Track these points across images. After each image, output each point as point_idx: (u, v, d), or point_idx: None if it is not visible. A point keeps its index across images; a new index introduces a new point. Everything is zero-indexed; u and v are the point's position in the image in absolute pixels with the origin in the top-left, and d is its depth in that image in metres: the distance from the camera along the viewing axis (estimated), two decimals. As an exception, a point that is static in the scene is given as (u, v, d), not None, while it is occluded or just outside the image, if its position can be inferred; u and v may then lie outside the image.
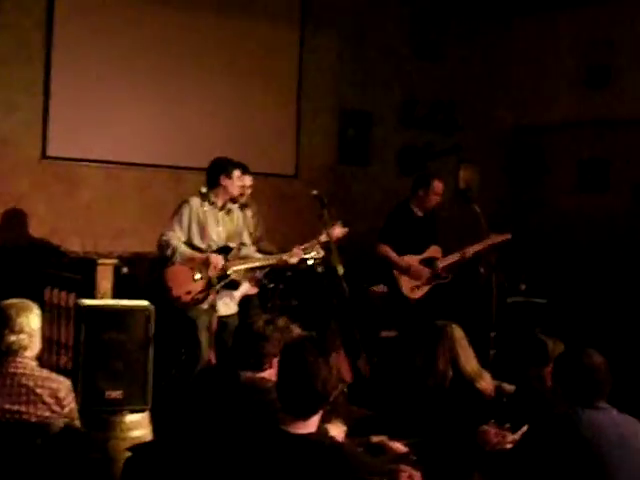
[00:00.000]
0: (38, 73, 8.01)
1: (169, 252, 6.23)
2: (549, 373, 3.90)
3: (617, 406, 3.63)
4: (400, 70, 10.21)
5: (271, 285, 7.58)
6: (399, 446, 3.87)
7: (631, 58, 9.55)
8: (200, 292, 6.22)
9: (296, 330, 4.38)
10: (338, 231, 6.66)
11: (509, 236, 7.51)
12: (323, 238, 6.56)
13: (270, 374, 3.85)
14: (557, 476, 3.31)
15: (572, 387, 3.50)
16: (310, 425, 3.12)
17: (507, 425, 4.16)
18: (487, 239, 7.36)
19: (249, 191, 7.21)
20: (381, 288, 7.98)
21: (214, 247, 6.36)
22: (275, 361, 3.85)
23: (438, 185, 7.55)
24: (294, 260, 6.56)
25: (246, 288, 6.98)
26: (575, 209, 10.29)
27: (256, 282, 7.28)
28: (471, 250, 7.42)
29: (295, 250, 6.54)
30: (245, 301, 6.97)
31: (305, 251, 6.56)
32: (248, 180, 7.14)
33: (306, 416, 3.11)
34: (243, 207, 7.06)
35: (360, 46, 9.93)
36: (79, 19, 8.16)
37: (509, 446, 3.95)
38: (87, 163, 8.26)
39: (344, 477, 2.29)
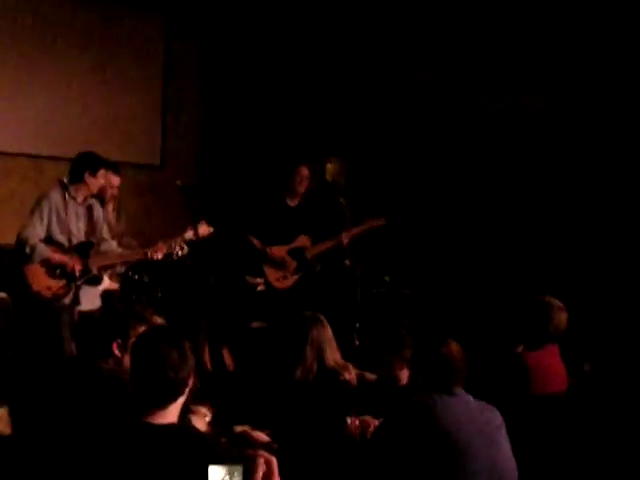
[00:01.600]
0: None
1: (28, 250, 6.08)
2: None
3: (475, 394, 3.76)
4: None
5: (135, 277, 7.49)
6: (262, 435, 3.89)
7: None
8: (61, 287, 6.11)
9: (157, 320, 4.38)
10: (203, 229, 6.63)
11: (383, 221, 7.65)
12: (189, 235, 6.52)
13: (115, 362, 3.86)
14: (413, 461, 3.38)
15: (429, 374, 3.59)
16: (169, 415, 3.09)
17: (369, 415, 4.22)
18: (360, 225, 7.49)
19: (115, 191, 7.11)
20: (252, 280, 7.98)
21: (74, 242, 6.26)
22: (115, 347, 3.86)
23: (303, 171, 7.64)
24: (158, 255, 6.48)
25: (106, 283, 6.88)
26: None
27: (117, 276, 7.19)
28: (348, 235, 7.50)
29: (159, 245, 6.46)
30: (107, 296, 6.87)
31: (169, 249, 6.49)
32: (117, 180, 7.04)
33: (161, 404, 3.08)
34: (105, 203, 6.96)
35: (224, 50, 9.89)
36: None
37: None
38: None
39: (205, 465, 2.29)
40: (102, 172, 6.37)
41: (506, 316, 6.56)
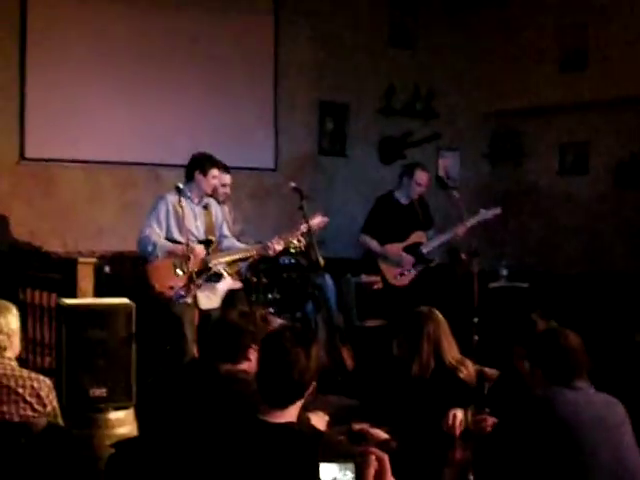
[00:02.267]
0: (13, 77, 8.02)
1: (150, 248, 6.22)
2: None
3: (599, 387, 3.67)
4: (376, 59, 10.21)
5: (254, 279, 7.57)
6: (380, 433, 3.89)
7: (605, 41, 9.58)
8: (183, 287, 6.20)
9: (276, 321, 4.40)
10: (318, 220, 6.66)
11: (499, 210, 7.58)
12: (303, 228, 6.55)
13: (249, 366, 3.86)
14: (536, 457, 3.32)
15: (549, 368, 3.52)
16: (288, 414, 3.12)
17: (486, 409, 4.17)
18: (474, 216, 7.42)
19: (227, 190, 7.20)
20: (367, 278, 7.98)
21: (195, 241, 6.36)
22: (251, 352, 3.88)
23: (421, 175, 7.63)
24: (276, 248, 6.53)
25: (230, 282, 6.98)
26: (556, 193, 10.35)
27: (239, 276, 7.28)
28: (463, 227, 7.44)
29: (275, 239, 6.52)
30: (230, 295, 6.97)
31: (286, 241, 6.54)
32: (227, 179, 7.14)
33: (283, 406, 3.11)
34: (220, 204, 7.05)
35: (335, 36, 9.92)
36: (51, 23, 8.20)
37: (489, 429, 3.96)
38: (65, 163, 8.28)
39: (317, 463, 2.30)
40: (213, 171, 6.46)
41: (624, 306, 6.43)
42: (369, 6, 10.15)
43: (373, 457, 2.00)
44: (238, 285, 7.17)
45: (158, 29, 8.78)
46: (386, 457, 2.00)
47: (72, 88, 8.25)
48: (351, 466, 2.07)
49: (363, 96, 10.12)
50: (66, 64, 8.22)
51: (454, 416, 4.20)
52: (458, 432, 4.17)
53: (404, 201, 7.68)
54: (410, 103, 10.37)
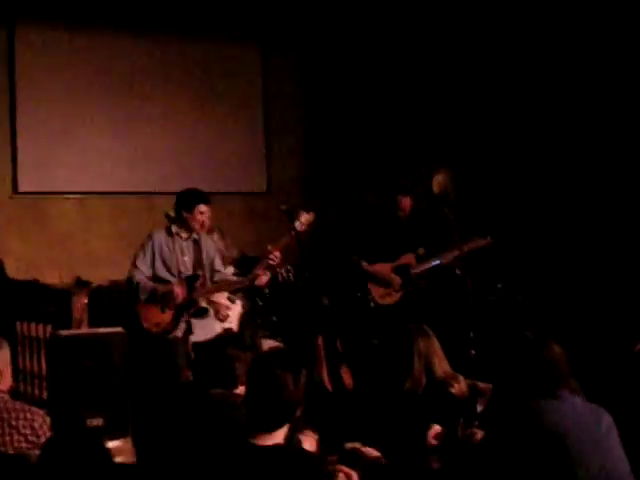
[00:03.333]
0: (3, 113, 8.09)
1: (134, 289, 6.27)
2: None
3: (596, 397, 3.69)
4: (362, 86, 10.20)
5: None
6: (372, 451, 3.91)
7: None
8: (169, 323, 6.23)
9: (266, 343, 4.43)
10: (304, 218, 6.61)
11: (489, 241, 7.53)
12: (292, 234, 6.52)
13: (242, 390, 3.89)
14: (523, 468, 3.34)
15: (532, 378, 3.54)
16: (276, 437, 3.15)
17: (475, 423, 4.19)
18: (466, 244, 7.38)
19: (206, 218, 7.04)
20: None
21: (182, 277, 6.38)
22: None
23: (402, 200, 7.67)
24: (262, 281, 6.51)
25: (239, 307, 7.01)
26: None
27: (246, 299, 7.28)
28: (449, 256, 7.44)
29: (260, 272, 6.46)
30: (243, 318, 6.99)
31: (272, 272, 6.49)
32: (204, 208, 7.00)
33: (271, 429, 3.14)
34: (207, 233, 7.04)
35: (323, 64, 9.97)
36: (40, 56, 8.26)
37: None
38: (59, 195, 8.34)
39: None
40: (199, 207, 6.41)
41: (624, 316, 6.43)
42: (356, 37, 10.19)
43: (342, 475, 2.03)
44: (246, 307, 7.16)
45: (148, 59, 8.86)
46: (355, 475, 2.03)
47: (62, 120, 8.34)
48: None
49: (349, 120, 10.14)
50: (55, 97, 8.33)
51: (430, 430, 4.22)
52: (434, 443, 4.17)
53: (392, 219, 7.74)
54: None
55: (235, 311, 6.88)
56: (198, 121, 9.10)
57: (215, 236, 7.24)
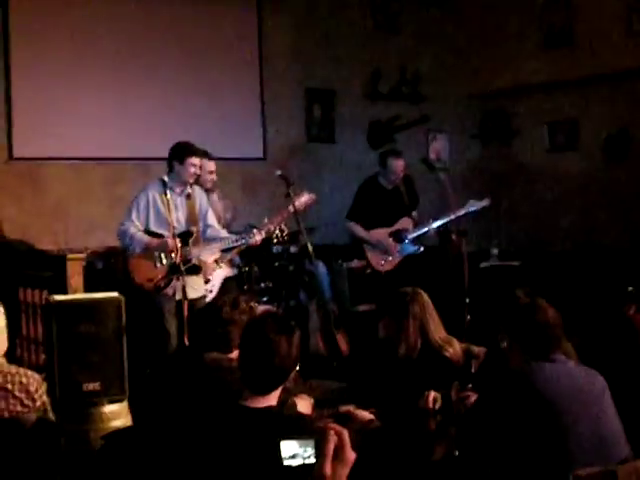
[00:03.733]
0: (-2, 77, 8.05)
1: (127, 241, 6.33)
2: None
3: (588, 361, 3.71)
4: (362, 44, 10.21)
5: (246, 268, 7.61)
6: (365, 414, 3.93)
7: (589, 16, 9.60)
8: (162, 278, 6.26)
9: (260, 308, 4.44)
10: (305, 198, 6.68)
11: (488, 202, 7.55)
12: (286, 214, 6.60)
13: (236, 354, 3.91)
14: (517, 431, 3.35)
15: (527, 341, 3.55)
16: (269, 399, 3.16)
17: (469, 386, 4.21)
18: (462, 207, 7.39)
19: (214, 176, 7.19)
20: (358, 263, 8.03)
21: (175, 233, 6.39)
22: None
23: (395, 163, 7.66)
24: (257, 240, 6.55)
25: (226, 271, 7.03)
26: (546, 170, 10.37)
27: (232, 264, 7.30)
28: (439, 222, 7.47)
29: (256, 231, 6.54)
30: (223, 284, 7.00)
31: (267, 231, 6.55)
32: (212, 165, 7.13)
33: (265, 392, 3.16)
34: (208, 191, 7.06)
35: (320, 22, 9.93)
36: (34, 19, 8.18)
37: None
38: (54, 162, 8.31)
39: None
40: (190, 160, 6.44)
41: (615, 279, 6.45)
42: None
43: (332, 432, 2.03)
44: (231, 273, 7.19)
45: (142, 24, 8.79)
46: (345, 432, 2.03)
47: (58, 86, 8.28)
48: (311, 442, 2.10)
49: (350, 82, 10.14)
50: (50, 62, 8.25)
51: (428, 395, 4.23)
52: (431, 407, 4.20)
53: (388, 185, 7.72)
54: (396, 87, 10.39)
55: (218, 276, 6.88)
56: (195, 86, 9.06)
57: (215, 196, 7.23)
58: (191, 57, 9.02)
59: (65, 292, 6.36)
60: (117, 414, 5.23)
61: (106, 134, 8.51)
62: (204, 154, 6.88)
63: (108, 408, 5.21)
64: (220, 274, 6.91)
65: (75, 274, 6.61)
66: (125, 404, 5.28)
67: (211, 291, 6.76)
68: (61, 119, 8.29)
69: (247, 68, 9.48)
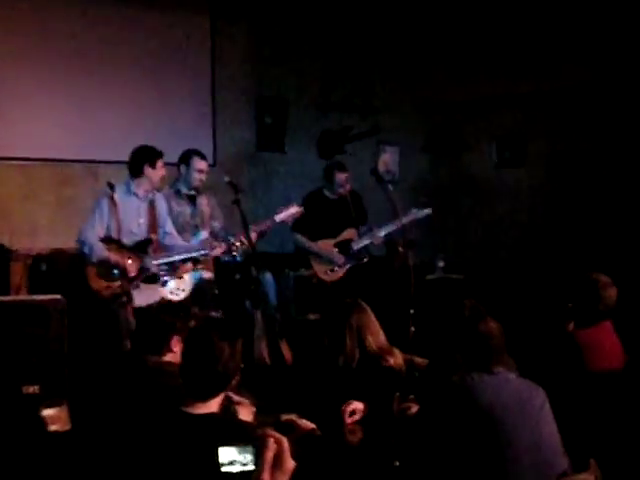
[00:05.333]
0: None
1: (86, 250, 6.24)
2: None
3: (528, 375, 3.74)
4: (315, 54, 10.23)
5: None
6: (307, 423, 3.93)
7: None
8: (119, 287, 6.20)
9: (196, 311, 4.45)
10: (293, 210, 6.84)
11: (430, 211, 7.62)
12: (279, 218, 6.66)
13: (174, 358, 3.90)
14: (456, 442, 3.38)
15: (468, 353, 3.58)
16: (211, 406, 3.16)
17: (411, 396, 4.23)
18: (404, 216, 7.44)
19: (203, 177, 7.13)
20: (305, 272, 8.03)
21: (135, 239, 6.35)
22: (174, 344, 3.92)
23: (339, 176, 7.71)
24: (218, 252, 6.57)
25: (206, 275, 6.97)
26: (494, 185, 10.47)
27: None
28: (382, 231, 7.52)
29: (216, 243, 6.57)
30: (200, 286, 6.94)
31: (228, 245, 6.56)
32: (204, 165, 7.09)
33: (206, 398, 3.15)
34: (194, 196, 7.04)
35: (273, 31, 9.93)
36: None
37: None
38: (1, 161, 8.19)
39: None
40: (160, 163, 6.46)
41: (556, 295, 6.52)
42: (306, 1, 10.17)
43: (272, 440, 2.03)
44: (209, 275, 7.11)
45: (94, 26, 8.70)
46: (285, 440, 2.03)
47: (5, 84, 8.16)
48: (250, 449, 2.10)
49: (301, 91, 10.15)
50: (2, 60, 8.12)
51: (345, 406, 4.26)
52: (349, 421, 4.22)
53: (333, 197, 7.76)
54: (348, 97, 10.42)
55: (189, 283, 6.82)
56: (146, 90, 9.01)
57: (204, 200, 7.21)
58: (143, 61, 8.96)
59: (8, 293, 6.29)
60: (55, 418, 5.18)
61: (54, 135, 8.43)
62: (199, 154, 7.01)
63: (47, 412, 5.15)
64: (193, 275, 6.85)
65: (18, 274, 6.53)
66: (65, 408, 5.22)
67: (183, 290, 6.68)
68: (8, 118, 8.18)
69: (199, 74, 9.45)
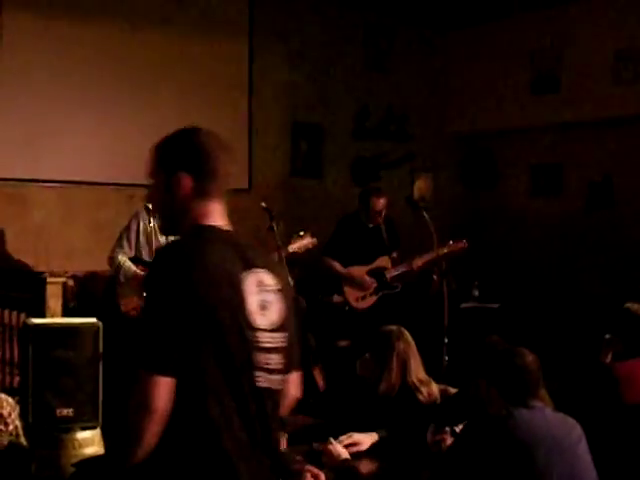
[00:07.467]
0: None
1: (115, 269, 6.27)
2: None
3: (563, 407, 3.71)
4: (351, 82, 10.27)
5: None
6: (342, 452, 3.90)
7: (576, 65, 9.69)
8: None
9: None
10: (306, 241, 6.74)
11: (465, 244, 7.55)
12: (292, 249, 6.60)
13: None
14: (490, 476, 3.35)
15: (505, 387, 3.55)
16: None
17: (446, 429, 4.19)
18: (441, 248, 7.38)
19: None
20: (338, 298, 8.01)
21: None
22: None
23: (375, 202, 7.66)
24: None
25: None
26: (529, 213, 10.42)
27: None
28: (419, 261, 7.48)
29: None
30: None
31: None
32: None
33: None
34: None
35: (311, 58, 9.99)
36: (21, 38, 8.13)
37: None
38: (38, 183, 8.26)
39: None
40: None
41: (592, 325, 6.47)
42: (344, 29, 10.22)
43: (309, 475, 2.02)
44: None
45: (130, 49, 8.77)
46: (322, 474, 2.02)
47: (44, 107, 8.22)
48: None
49: (337, 118, 10.18)
50: (36, 82, 8.16)
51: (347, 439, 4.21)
52: (343, 457, 4.16)
53: (368, 223, 7.73)
54: (384, 125, 10.44)
55: None
56: (183, 114, 9.03)
57: None
58: (182, 86, 9.02)
59: (43, 315, 6.32)
60: (89, 441, 5.16)
61: (90, 158, 8.48)
62: None
63: (80, 435, 5.14)
64: None
65: (54, 297, 6.56)
66: (98, 431, 5.22)
67: None
68: (46, 141, 8.24)
69: (236, 99, 9.49)
